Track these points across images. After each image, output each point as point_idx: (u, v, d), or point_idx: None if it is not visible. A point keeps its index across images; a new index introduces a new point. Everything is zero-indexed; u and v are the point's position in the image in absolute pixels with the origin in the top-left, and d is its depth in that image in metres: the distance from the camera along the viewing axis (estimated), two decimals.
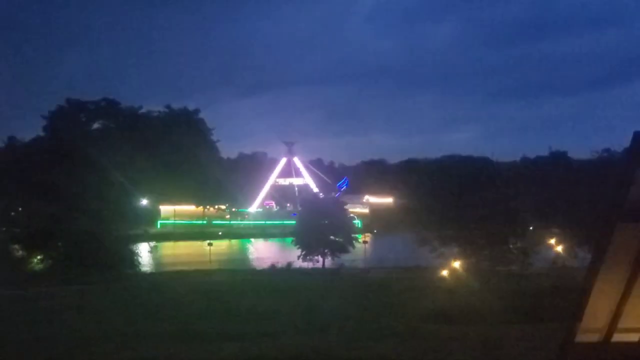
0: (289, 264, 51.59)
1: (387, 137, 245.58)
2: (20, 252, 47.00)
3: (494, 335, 23.38)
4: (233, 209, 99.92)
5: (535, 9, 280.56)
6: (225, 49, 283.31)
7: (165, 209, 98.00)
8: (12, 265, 44.19)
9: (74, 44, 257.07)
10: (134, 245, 53.59)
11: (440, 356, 21.18)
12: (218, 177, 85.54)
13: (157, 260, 59.92)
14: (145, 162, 78.39)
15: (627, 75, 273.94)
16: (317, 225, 53.40)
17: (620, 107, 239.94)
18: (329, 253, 52.84)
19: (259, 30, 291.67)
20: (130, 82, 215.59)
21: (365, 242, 58.24)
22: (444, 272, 41.13)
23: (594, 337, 8.42)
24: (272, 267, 51.75)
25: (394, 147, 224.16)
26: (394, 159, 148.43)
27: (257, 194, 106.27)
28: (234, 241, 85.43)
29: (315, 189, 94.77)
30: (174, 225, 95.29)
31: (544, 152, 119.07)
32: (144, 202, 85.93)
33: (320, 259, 52.76)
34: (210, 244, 58.12)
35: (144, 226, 68.95)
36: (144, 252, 57.04)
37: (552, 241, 50.53)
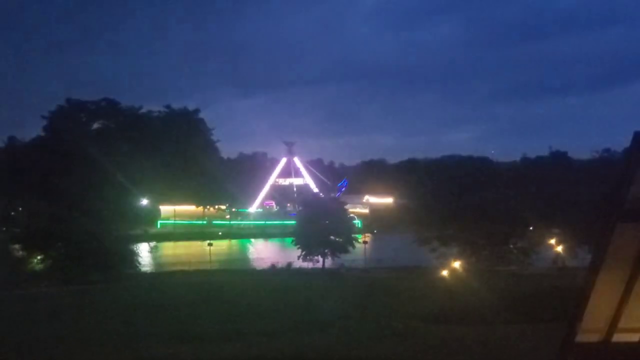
0: (289, 264, 51.60)
1: (387, 137, 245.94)
2: (21, 252, 47.00)
3: (494, 335, 23.41)
4: (233, 209, 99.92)
5: (535, 9, 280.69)
6: (225, 49, 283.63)
7: (166, 209, 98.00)
8: (12, 266, 44.19)
9: (74, 44, 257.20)
10: (134, 245, 53.55)
11: (441, 356, 21.19)
12: (218, 177, 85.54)
13: (157, 261, 59.91)
14: (146, 162, 78.54)
15: (628, 75, 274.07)
16: (317, 226, 53.38)
17: (620, 107, 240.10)
18: (329, 253, 52.83)
19: (259, 30, 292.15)
20: (130, 82, 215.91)
21: (365, 242, 58.16)
22: (444, 272, 41.12)
23: (594, 337, 8.41)
24: (272, 267, 51.79)
25: (394, 147, 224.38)
26: (394, 159, 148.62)
27: (257, 194, 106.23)
28: (234, 241, 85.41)
29: (315, 189, 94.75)
30: (174, 225, 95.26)
31: (544, 152, 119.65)
32: (144, 202, 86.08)
33: (320, 259, 52.77)
34: (210, 244, 58.07)
35: (144, 226, 69.08)
36: (144, 252, 57.03)
37: (552, 241, 50.50)
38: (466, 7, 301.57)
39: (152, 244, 63.98)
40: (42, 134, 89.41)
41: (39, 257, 46.33)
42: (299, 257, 52.21)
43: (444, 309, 29.80)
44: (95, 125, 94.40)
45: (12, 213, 55.30)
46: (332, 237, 53.47)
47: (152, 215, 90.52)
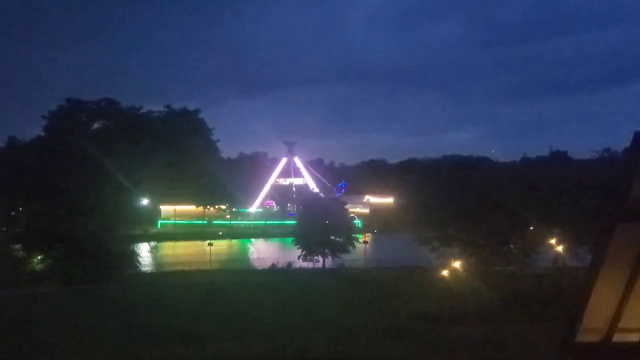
0: (290, 264, 51.57)
1: (387, 137, 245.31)
2: (21, 252, 46.99)
3: (494, 335, 23.41)
4: (233, 209, 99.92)
5: (536, 9, 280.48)
6: (225, 49, 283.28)
7: (166, 209, 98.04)
8: (12, 266, 44.19)
9: (74, 44, 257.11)
10: (135, 245, 53.56)
11: (441, 356, 21.21)
12: (218, 177, 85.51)
13: (157, 260, 59.87)
14: (146, 162, 78.58)
15: (628, 75, 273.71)
16: (318, 225, 53.37)
17: (620, 107, 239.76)
18: (329, 253, 52.83)
19: (260, 30, 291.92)
20: (130, 82, 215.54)
21: (365, 242, 58.16)
22: (444, 272, 41.09)
23: (594, 337, 8.40)
24: (273, 267, 51.76)
25: (394, 147, 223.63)
26: (394, 159, 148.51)
27: (258, 194, 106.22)
28: (234, 241, 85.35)
29: (315, 189, 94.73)
30: (175, 225, 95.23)
31: (544, 152, 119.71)
32: (144, 202, 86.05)
33: (321, 259, 52.77)
34: (210, 244, 58.05)
35: (145, 226, 69.00)
36: (144, 252, 57.02)
37: (553, 241, 50.45)
38: (466, 7, 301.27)
39: (152, 244, 63.96)
40: (42, 133, 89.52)
41: (39, 257, 46.30)
42: (299, 257, 52.20)
43: (444, 309, 29.81)
44: (96, 125, 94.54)
45: (12, 213, 55.20)
46: (332, 237, 53.46)
47: (153, 215, 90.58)
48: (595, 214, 36.40)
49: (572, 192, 51.86)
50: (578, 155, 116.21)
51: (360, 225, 79.18)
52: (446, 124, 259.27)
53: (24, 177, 59.87)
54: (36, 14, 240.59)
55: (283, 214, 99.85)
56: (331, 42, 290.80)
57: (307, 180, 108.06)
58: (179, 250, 72.81)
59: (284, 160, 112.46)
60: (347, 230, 56.08)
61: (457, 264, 42.35)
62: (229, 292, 36.65)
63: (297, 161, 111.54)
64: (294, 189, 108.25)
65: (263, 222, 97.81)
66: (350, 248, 53.89)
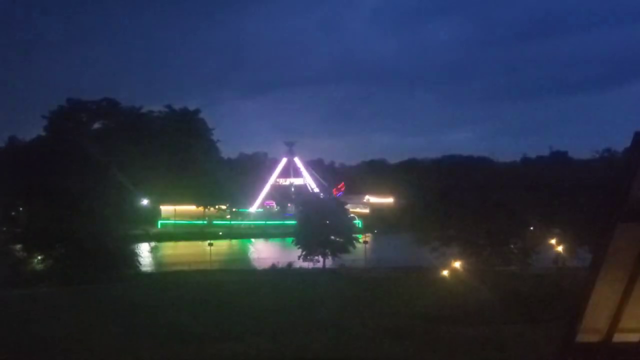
0: (290, 264, 51.57)
1: (387, 137, 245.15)
2: (21, 252, 46.99)
3: (494, 335, 23.42)
4: (233, 209, 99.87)
5: (536, 9, 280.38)
6: (225, 49, 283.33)
7: (166, 209, 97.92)
8: (12, 266, 44.20)
9: (74, 44, 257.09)
10: (135, 246, 53.54)
11: (441, 356, 21.21)
12: (218, 177, 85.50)
13: (157, 261, 59.84)
14: (146, 162, 78.59)
15: (628, 75, 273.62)
16: (318, 226, 53.35)
17: (620, 107, 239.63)
18: (329, 253, 52.82)
19: (260, 30, 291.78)
20: (130, 82, 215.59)
21: (365, 242, 58.13)
22: (445, 272, 41.11)
23: (594, 337, 8.39)
24: (273, 267, 51.76)
25: (394, 147, 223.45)
26: (394, 159, 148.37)
27: (258, 194, 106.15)
28: (234, 241, 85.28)
29: (315, 189, 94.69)
30: (175, 225, 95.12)
31: (544, 152, 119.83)
32: (145, 202, 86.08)
33: (321, 259, 52.76)
34: (210, 244, 58.02)
35: (145, 226, 68.94)
36: (144, 252, 56.99)
37: (553, 241, 50.48)
38: (466, 7, 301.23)
39: (153, 244, 63.85)
40: (43, 133, 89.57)
41: (39, 257, 46.31)
42: (299, 257, 52.18)
43: (444, 309, 29.83)
44: (96, 125, 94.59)
45: (13, 213, 55.21)
46: (332, 237, 53.44)
47: (153, 215, 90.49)
48: (595, 214, 36.38)
49: (572, 192, 51.90)
50: (578, 155, 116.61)
51: (360, 226, 79.13)
52: (446, 124, 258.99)
53: (24, 177, 59.92)
54: (36, 14, 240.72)
55: (283, 214, 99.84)
56: (331, 42, 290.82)
57: (307, 180, 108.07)
58: (179, 251, 72.79)
59: (284, 161, 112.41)
60: (347, 230, 56.05)
61: (457, 264, 42.38)
62: (229, 292, 36.63)
63: (297, 161, 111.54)
64: (292, 189, 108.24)
65: (263, 222, 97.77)
66: (351, 248, 53.86)
